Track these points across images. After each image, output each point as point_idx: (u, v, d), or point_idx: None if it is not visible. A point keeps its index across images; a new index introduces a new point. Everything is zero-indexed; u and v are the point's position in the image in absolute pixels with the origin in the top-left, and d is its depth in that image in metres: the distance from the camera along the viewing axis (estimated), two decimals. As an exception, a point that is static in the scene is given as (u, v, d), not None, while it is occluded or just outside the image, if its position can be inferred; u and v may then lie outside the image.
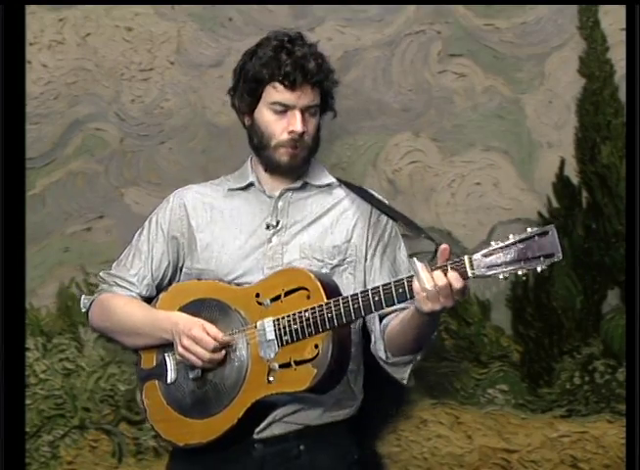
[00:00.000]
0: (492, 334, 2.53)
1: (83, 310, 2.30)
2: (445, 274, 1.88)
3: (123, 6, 2.57)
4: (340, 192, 2.25)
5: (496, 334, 2.53)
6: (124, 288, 2.25)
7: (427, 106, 2.56)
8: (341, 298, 1.99)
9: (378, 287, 1.97)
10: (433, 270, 1.89)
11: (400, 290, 1.93)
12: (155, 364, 2.19)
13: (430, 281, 1.88)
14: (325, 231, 2.19)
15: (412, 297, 1.92)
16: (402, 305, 2.09)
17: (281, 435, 2.12)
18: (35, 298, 2.53)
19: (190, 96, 2.58)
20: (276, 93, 2.13)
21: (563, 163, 2.54)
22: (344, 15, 2.57)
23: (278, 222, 2.19)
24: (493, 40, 2.55)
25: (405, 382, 2.17)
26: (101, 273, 2.30)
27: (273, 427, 2.11)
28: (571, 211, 2.51)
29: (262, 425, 2.11)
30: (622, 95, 2.50)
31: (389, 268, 2.21)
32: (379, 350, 2.16)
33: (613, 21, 2.51)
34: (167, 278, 2.26)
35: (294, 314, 2.01)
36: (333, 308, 1.98)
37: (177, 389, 2.14)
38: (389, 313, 2.15)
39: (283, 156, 2.16)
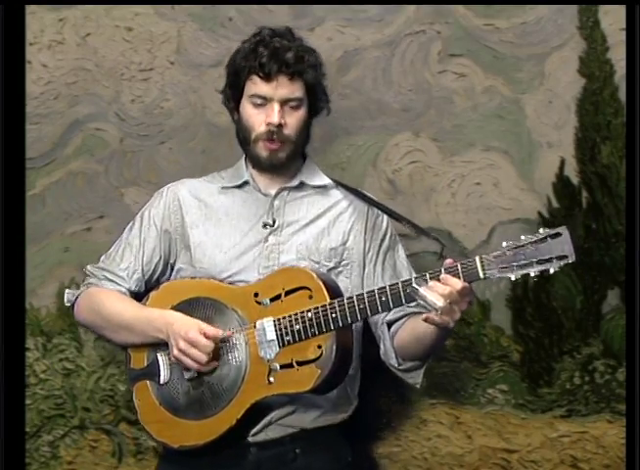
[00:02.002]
0: (492, 334, 2.53)
1: (67, 304, 2.26)
2: (449, 283, 1.88)
3: (123, 6, 2.57)
4: (336, 194, 2.23)
5: (496, 334, 2.53)
6: (114, 282, 2.20)
7: (427, 106, 2.56)
8: (346, 298, 1.97)
9: (384, 287, 1.95)
10: (445, 273, 1.88)
11: (408, 290, 1.92)
12: (146, 364, 2.14)
13: (439, 299, 1.87)
14: (321, 233, 2.17)
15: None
16: (411, 310, 2.11)
17: (276, 438, 2.09)
18: (35, 298, 2.53)
19: (190, 96, 2.58)
20: (254, 85, 2.12)
21: (563, 163, 2.54)
22: (344, 15, 2.57)
23: (274, 221, 2.16)
24: (493, 40, 2.55)
25: (418, 386, 2.19)
26: (88, 267, 2.25)
27: (268, 430, 2.09)
28: (571, 210, 2.51)
29: (257, 428, 2.08)
30: (622, 95, 2.50)
31: (391, 274, 2.20)
32: (390, 357, 2.16)
33: (613, 21, 2.51)
34: (157, 274, 2.22)
35: (295, 314, 1.98)
36: (337, 309, 1.96)
37: (171, 389, 2.10)
38: (397, 320, 2.15)
39: (262, 150, 2.13)
